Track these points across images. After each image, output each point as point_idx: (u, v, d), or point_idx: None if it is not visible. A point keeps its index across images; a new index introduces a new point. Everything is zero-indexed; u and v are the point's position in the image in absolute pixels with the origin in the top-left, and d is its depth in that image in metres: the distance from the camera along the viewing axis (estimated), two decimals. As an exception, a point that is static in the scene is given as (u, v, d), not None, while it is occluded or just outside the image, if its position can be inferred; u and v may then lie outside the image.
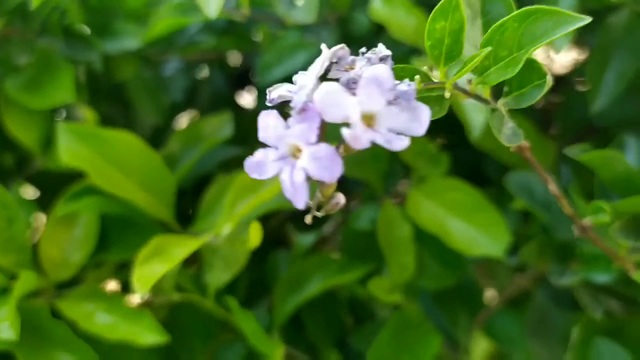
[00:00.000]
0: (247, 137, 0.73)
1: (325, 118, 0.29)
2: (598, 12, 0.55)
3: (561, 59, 0.77)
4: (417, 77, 0.34)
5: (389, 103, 0.30)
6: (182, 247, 0.53)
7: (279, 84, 0.35)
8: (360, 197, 0.71)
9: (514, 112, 0.37)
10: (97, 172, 0.58)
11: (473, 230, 0.61)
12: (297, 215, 0.72)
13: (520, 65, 0.34)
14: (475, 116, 0.57)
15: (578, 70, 0.74)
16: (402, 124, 0.30)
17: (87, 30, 0.64)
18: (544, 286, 0.63)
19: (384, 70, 0.30)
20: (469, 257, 0.62)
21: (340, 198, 0.33)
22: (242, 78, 0.80)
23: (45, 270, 0.59)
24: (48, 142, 0.65)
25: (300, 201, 0.30)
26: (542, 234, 0.61)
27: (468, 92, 0.37)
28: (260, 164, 0.32)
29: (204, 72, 0.78)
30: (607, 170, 0.53)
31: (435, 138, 0.65)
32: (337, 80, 0.32)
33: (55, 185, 0.67)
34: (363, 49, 0.32)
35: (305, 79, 0.32)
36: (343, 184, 0.75)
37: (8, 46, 0.62)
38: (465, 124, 0.58)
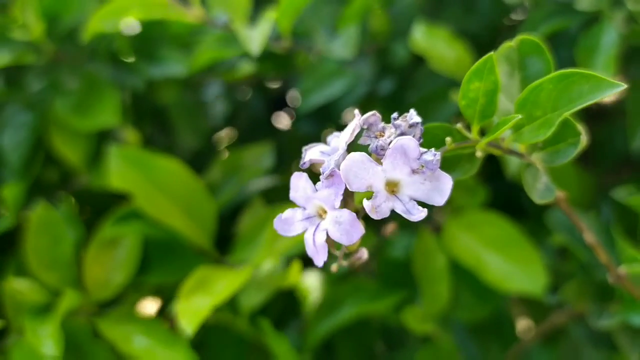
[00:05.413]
0: (283, 158, 0.75)
1: (350, 187, 0.30)
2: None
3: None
4: (448, 138, 0.34)
5: (414, 172, 0.31)
6: (225, 281, 0.54)
7: (314, 144, 0.35)
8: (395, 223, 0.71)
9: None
10: (143, 196, 0.60)
11: (509, 265, 0.60)
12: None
13: (554, 128, 0.34)
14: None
15: (620, 102, 0.72)
16: (424, 193, 0.31)
17: (132, 57, 0.66)
18: (581, 324, 0.62)
19: (411, 141, 0.30)
20: (504, 292, 0.62)
21: (364, 253, 0.34)
22: (279, 100, 0.81)
23: (87, 289, 0.61)
24: (93, 160, 0.67)
25: (319, 260, 0.31)
26: (581, 273, 0.60)
27: (502, 148, 0.37)
28: (287, 221, 0.33)
29: (244, 95, 0.79)
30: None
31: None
32: (367, 146, 0.32)
33: (96, 202, 0.69)
34: (395, 114, 0.33)
35: (338, 142, 0.33)
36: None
37: (58, 70, 0.64)
38: (502, 158, 0.58)
